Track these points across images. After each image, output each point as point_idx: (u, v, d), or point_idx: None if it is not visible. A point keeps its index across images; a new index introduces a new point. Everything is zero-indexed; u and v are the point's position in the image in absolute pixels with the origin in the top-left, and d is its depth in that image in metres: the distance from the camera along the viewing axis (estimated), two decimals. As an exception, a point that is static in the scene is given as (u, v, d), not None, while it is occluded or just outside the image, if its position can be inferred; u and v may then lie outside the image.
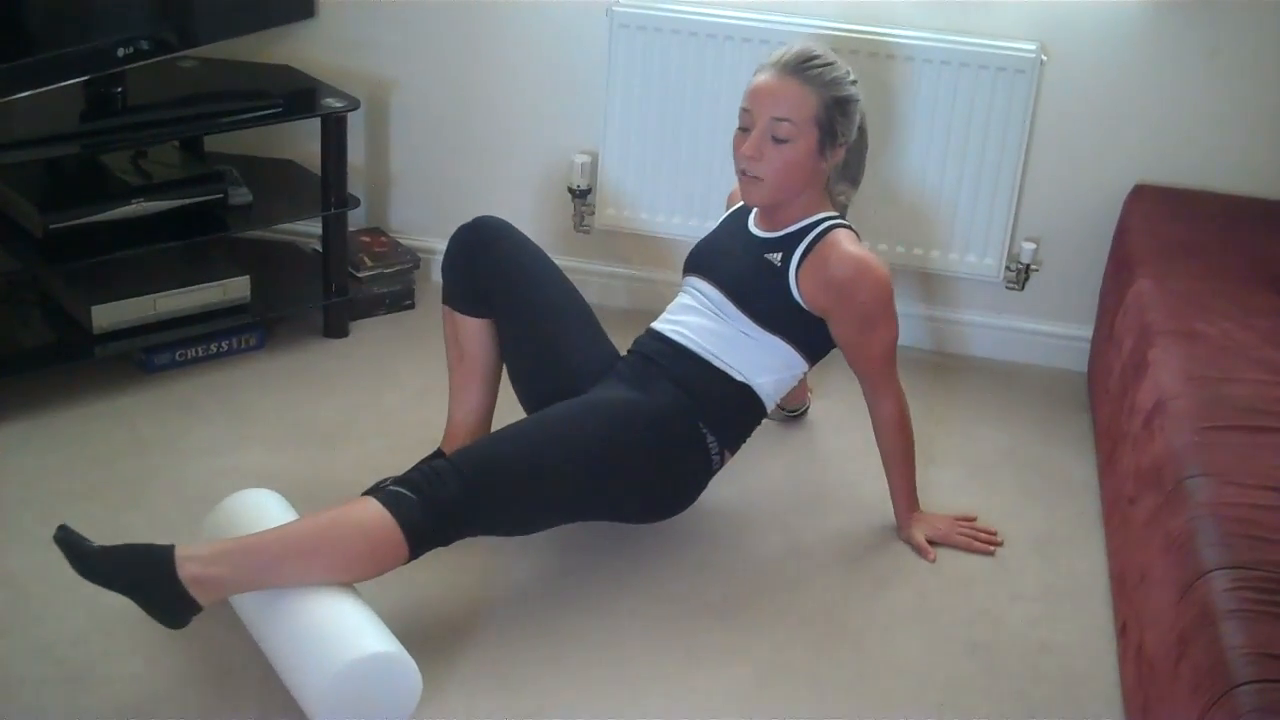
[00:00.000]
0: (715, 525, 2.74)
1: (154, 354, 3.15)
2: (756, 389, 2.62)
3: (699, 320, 2.64)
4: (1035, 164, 3.30)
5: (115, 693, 2.22)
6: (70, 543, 2.14)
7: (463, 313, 2.71)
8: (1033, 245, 3.35)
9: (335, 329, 3.40)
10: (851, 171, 2.67)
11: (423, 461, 2.69)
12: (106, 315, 3.07)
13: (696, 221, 3.41)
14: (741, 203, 2.76)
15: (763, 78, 2.55)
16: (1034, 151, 3.28)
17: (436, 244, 3.64)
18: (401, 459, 2.77)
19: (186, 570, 2.13)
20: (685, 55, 3.28)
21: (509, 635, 2.41)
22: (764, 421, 2.71)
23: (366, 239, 3.61)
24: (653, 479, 2.55)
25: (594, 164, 3.47)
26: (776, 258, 2.60)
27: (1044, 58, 3.17)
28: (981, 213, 3.29)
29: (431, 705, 2.21)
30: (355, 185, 3.43)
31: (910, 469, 2.73)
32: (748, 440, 2.69)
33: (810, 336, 2.62)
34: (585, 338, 2.69)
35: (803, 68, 2.52)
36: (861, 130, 2.63)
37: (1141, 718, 2.11)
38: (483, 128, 3.58)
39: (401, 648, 2.13)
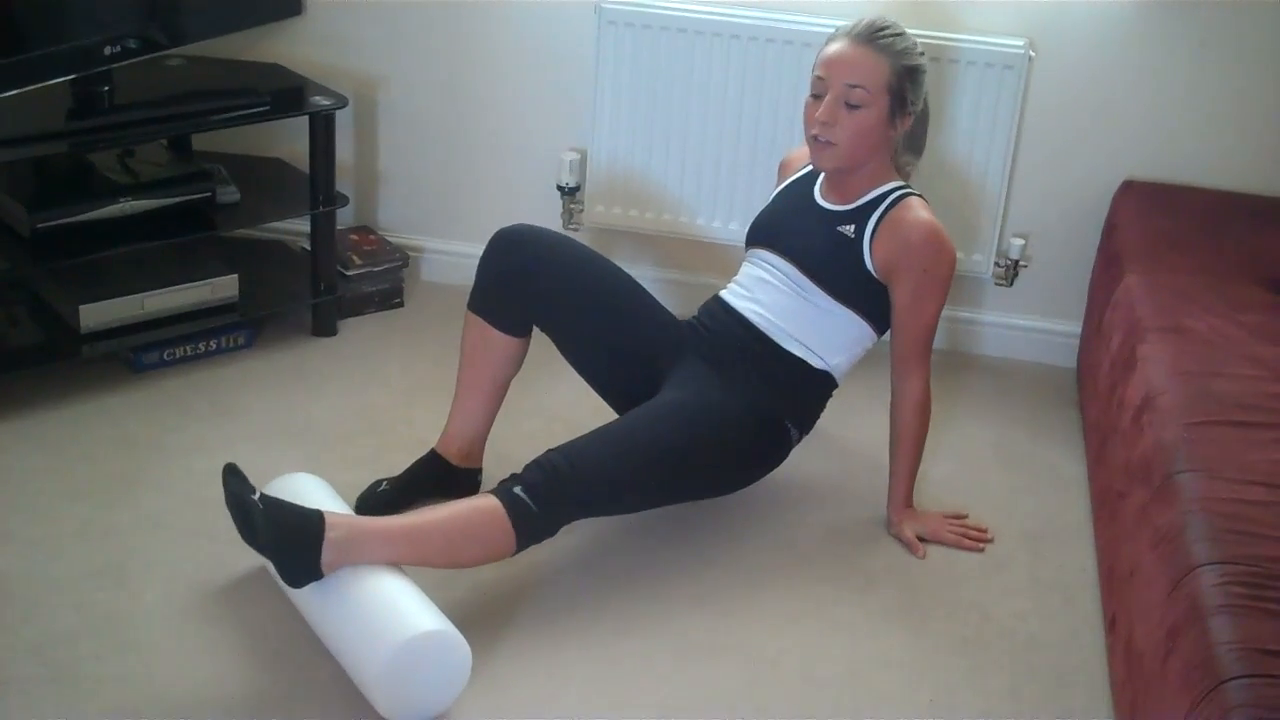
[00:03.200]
0: (706, 522, 2.74)
1: (142, 353, 3.14)
2: (833, 370, 2.69)
3: (775, 298, 2.68)
4: (1024, 160, 3.30)
5: (105, 693, 2.21)
6: (234, 487, 2.20)
7: (501, 330, 2.69)
8: (1021, 241, 3.35)
9: (324, 328, 3.39)
10: (916, 141, 2.72)
11: (421, 465, 2.72)
12: (94, 314, 3.06)
13: (686, 219, 3.41)
14: (798, 172, 2.78)
15: (836, 46, 2.58)
16: (1022, 147, 3.28)
17: (425, 242, 3.65)
18: (390, 458, 2.77)
19: (327, 554, 2.19)
20: (674, 52, 3.28)
21: (500, 634, 2.40)
22: (841, 383, 2.73)
23: (355, 237, 3.60)
24: (739, 468, 2.69)
25: (583, 161, 3.46)
26: (850, 229, 2.63)
27: (1032, 53, 3.18)
28: (970, 208, 3.29)
29: (421, 704, 2.21)
30: (343, 183, 3.42)
31: (916, 457, 2.73)
32: None
33: (879, 307, 2.67)
34: (647, 321, 2.73)
35: (875, 36, 2.57)
36: (925, 100, 2.67)
37: (1130, 712, 2.11)
38: (471, 125, 3.57)
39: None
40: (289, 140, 3.51)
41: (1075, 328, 3.39)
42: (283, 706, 2.20)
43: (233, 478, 2.22)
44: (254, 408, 3.05)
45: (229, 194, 3.27)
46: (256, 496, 2.19)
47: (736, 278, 2.79)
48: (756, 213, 2.84)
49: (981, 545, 2.73)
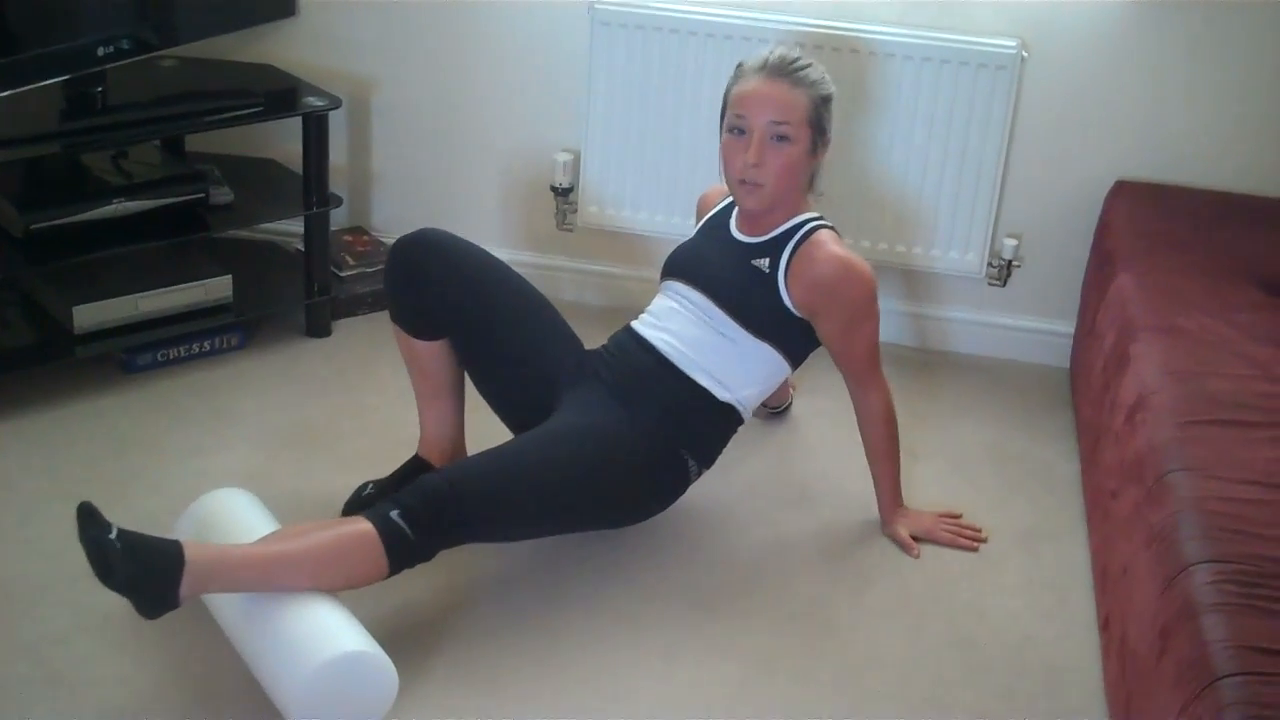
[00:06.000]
0: (699, 521, 2.74)
1: (135, 354, 3.14)
2: (739, 405, 2.62)
3: (685, 327, 2.62)
4: (1017, 160, 3.31)
5: (100, 694, 2.21)
6: (91, 530, 2.07)
7: (414, 337, 2.67)
8: (1014, 241, 3.35)
9: (317, 328, 3.39)
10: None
11: (406, 468, 2.70)
12: (88, 315, 3.06)
13: (679, 219, 3.41)
14: (715, 208, 2.76)
15: (753, 84, 2.53)
16: (1015, 148, 3.29)
17: (419, 243, 3.64)
18: (383, 459, 2.77)
19: (185, 588, 2.10)
20: (667, 53, 3.28)
21: (491, 632, 2.40)
22: (748, 418, 2.72)
23: (349, 238, 3.60)
24: (632, 500, 2.58)
25: (576, 162, 3.46)
26: (764, 263, 2.59)
27: (1025, 54, 3.18)
28: (963, 209, 3.30)
29: (412, 704, 2.21)
30: (337, 184, 3.42)
31: (895, 463, 2.73)
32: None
33: (796, 341, 2.62)
34: (548, 340, 2.67)
35: (790, 70, 2.52)
36: None
37: (1124, 711, 2.11)
38: (465, 126, 3.57)
39: (376, 645, 2.13)
40: (282, 141, 3.50)
41: (1068, 327, 3.40)
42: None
43: (87, 519, 2.07)
44: (247, 409, 3.05)
45: (222, 195, 3.27)
46: (113, 535, 2.05)
47: (649, 308, 2.72)
48: None
49: (976, 544, 2.73)
